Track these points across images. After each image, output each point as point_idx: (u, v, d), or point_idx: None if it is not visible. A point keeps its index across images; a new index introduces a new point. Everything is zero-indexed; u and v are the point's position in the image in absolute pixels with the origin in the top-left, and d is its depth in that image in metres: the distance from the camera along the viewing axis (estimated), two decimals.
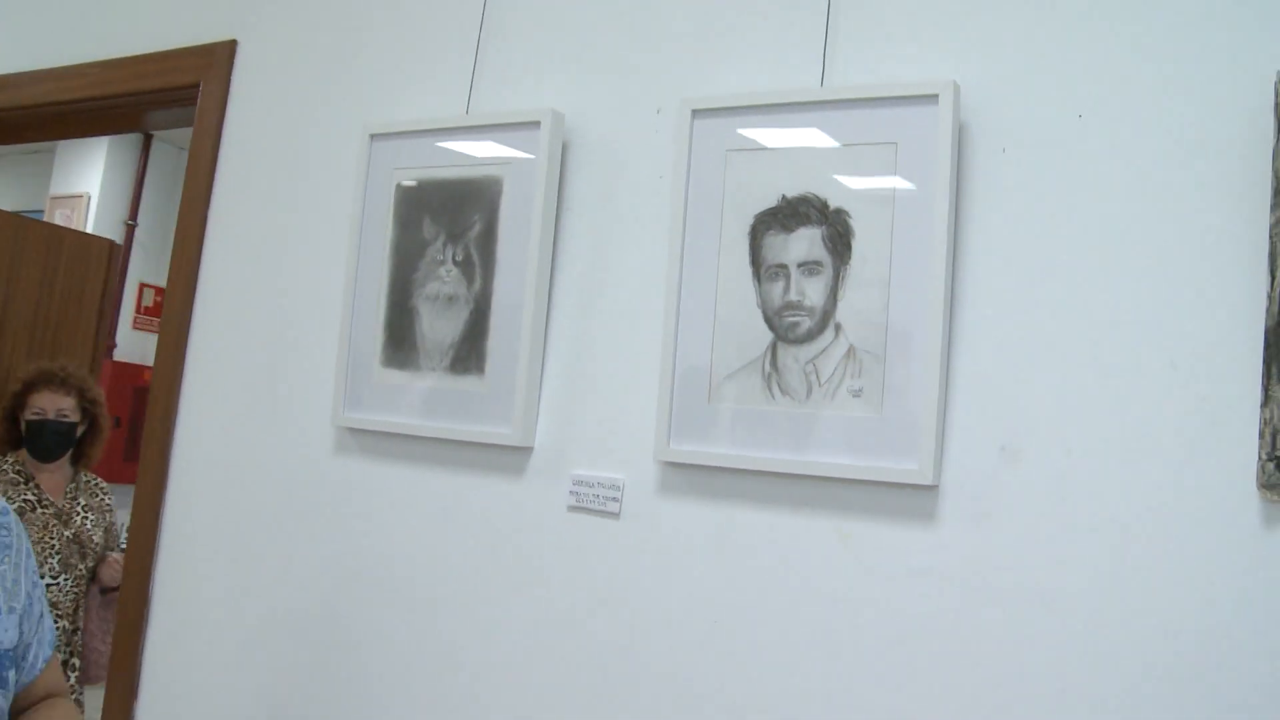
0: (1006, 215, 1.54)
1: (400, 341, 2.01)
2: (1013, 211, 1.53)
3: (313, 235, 2.24)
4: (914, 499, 1.54)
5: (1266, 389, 1.34)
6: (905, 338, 1.54)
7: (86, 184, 5.98)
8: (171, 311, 2.41)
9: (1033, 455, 1.49)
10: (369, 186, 2.07)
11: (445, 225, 1.98)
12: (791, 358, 1.62)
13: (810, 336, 1.60)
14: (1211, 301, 1.39)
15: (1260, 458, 1.33)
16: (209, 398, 2.34)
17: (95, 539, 3.27)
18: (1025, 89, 1.55)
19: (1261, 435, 1.34)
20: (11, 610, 1.32)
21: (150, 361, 5.27)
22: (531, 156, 1.88)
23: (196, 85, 2.46)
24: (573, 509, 1.81)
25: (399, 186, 2.04)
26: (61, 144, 6.01)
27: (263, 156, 2.37)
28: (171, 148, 6.14)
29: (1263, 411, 1.35)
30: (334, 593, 2.07)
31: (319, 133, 2.28)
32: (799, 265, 1.62)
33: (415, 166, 2.02)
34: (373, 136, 2.07)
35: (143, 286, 6.09)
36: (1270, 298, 1.35)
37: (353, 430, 2.07)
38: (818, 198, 1.62)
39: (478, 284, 1.93)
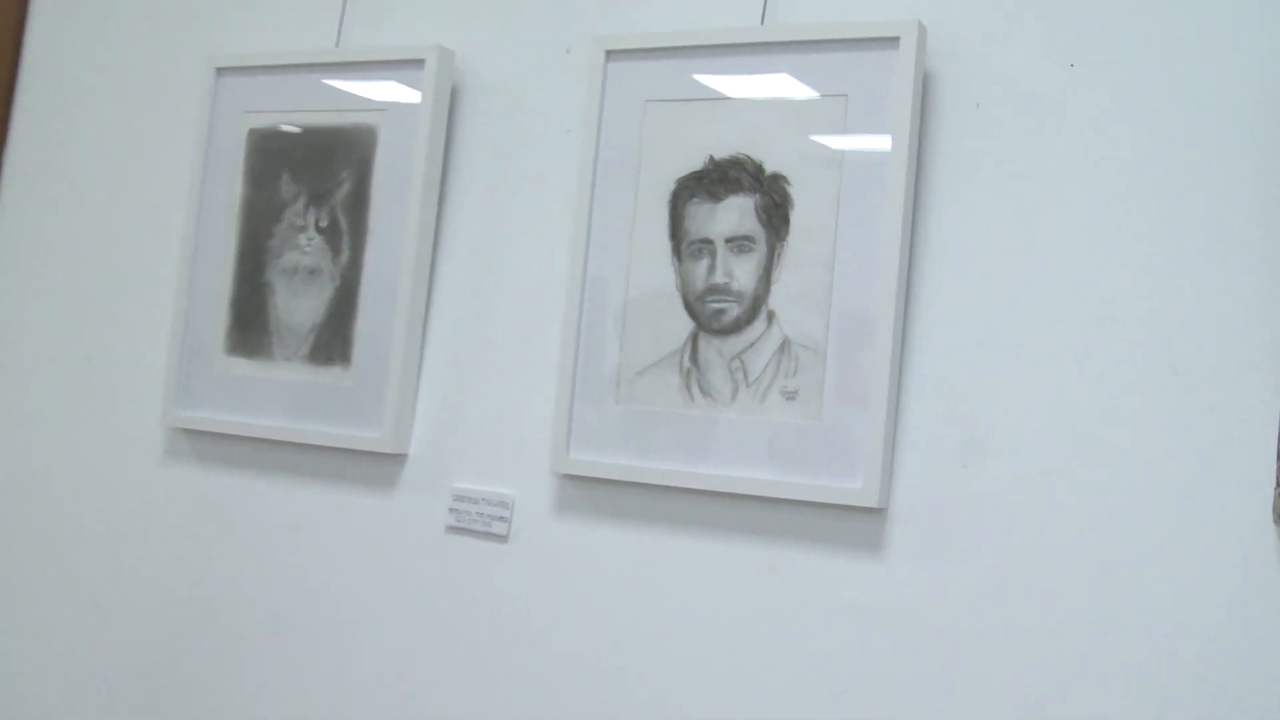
0: (980, 185, 1.51)
1: (249, 324, 1.95)
2: (987, 180, 1.50)
3: (141, 191, 2.16)
4: (857, 524, 1.51)
5: None
6: (851, 330, 1.51)
7: None
8: None
9: (1002, 475, 1.45)
10: (213, 132, 2.01)
11: (307, 183, 1.92)
12: (715, 351, 1.58)
13: (738, 326, 1.57)
14: (1223, 294, 1.36)
15: (1277, 484, 1.30)
16: (6, 392, 2.25)
17: None
18: (1005, 32, 1.51)
19: None
20: None
21: None
22: (414, 102, 1.83)
23: None
24: (453, 530, 1.77)
25: (251, 133, 1.98)
26: None
27: (76, 91, 2.27)
28: None
29: None
30: (163, 630, 2.00)
31: (149, 63, 2.20)
32: (727, 241, 1.59)
33: (272, 110, 1.96)
34: (219, 71, 2.01)
35: None
36: None
37: (187, 432, 2.02)
38: (751, 160, 1.59)
39: (345, 255, 1.88)
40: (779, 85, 1.60)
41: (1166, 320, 1.39)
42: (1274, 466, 1.32)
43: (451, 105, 1.85)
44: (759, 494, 1.54)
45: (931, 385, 1.50)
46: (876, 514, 1.51)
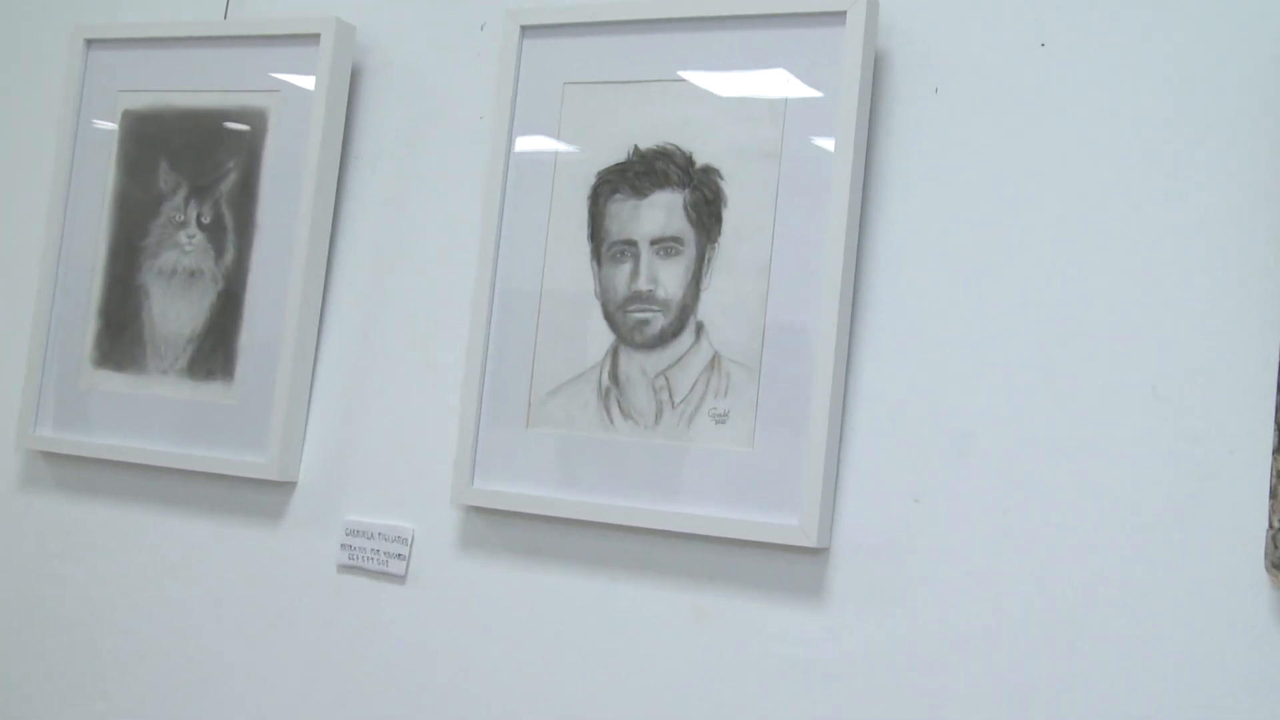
0: (937, 181, 1.49)
1: (120, 332, 1.93)
2: (946, 176, 1.49)
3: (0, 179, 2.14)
4: (796, 566, 1.50)
5: None
6: (790, 345, 1.50)
7: None
8: None
9: (959, 511, 1.43)
10: (82, 112, 1.99)
11: (188, 173, 1.91)
12: (637, 368, 1.58)
13: (663, 339, 1.57)
14: (1212, 306, 1.35)
15: (1271, 526, 1.28)
16: None
17: None
18: (968, 7, 1.51)
19: (1274, 494, 1.28)
20: None
21: None
22: (308, 83, 1.82)
23: None
24: (345, 568, 1.76)
25: (126, 115, 1.96)
26: None
27: None
28: None
29: (1276, 460, 1.28)
30: (16, 677, 1.98)
31: (8, 34, 2.18)
32: (652, 243, 1.59)
33: (149, 89, 1.94)
34: (89, 43, 1.99)
35: None
36: None
37: (46, 456, 1.99)
38: (680, 151, 1.58)
39: (229, 256, 1.86)
40: (709, 64, 1.58)
41: (1147, 336, 1.38)
42: (1267, 505, 1.30)
43: (351, 87, 1.85)
44: (685, 530, 1.53)
45: (879, 408, 1.49)
46: (817, 554, 1.49)
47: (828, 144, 1.50)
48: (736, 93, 1.56)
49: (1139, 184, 1.40)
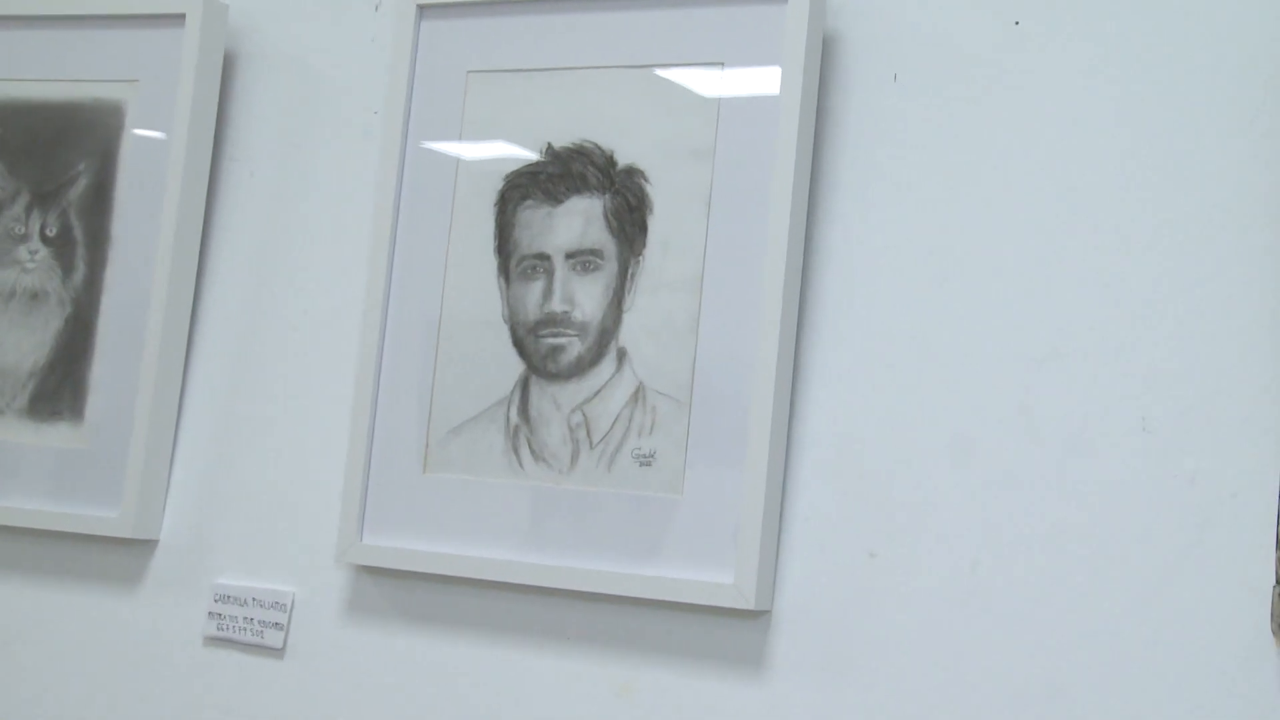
0: (896, 182, 1.51)
1: None
2: (906, 176, 1.50)
3: None
4: (732, 631, 1.50)
5: None
6: (725, 374, 1.51)
7: None
8: None
9: (921, 567, 1.44)
10: None
11: (30, 177, 1.90)
12: (551, 402, 1.59)
13: (580, 369, 1.58)
14: (1210, 323, 1.37)
15: (1278, 582, 1.29)
16: None
17: None
18: None
19: None
20: None
21: None
22: (172, 72, 1.82)
23: None
24: (214, 640, 1.76)
25: None
26: None
27: None
28: None
29: None
30: None
31: None
32: (568, 256, 1.60)
33: None
34: None
35: None
36: None
37: None
38: (600, 150, 1.59)
39: (79, 275, 1.86)
40: (636, 52, 1.60)
41: (1137, 360, 1.39)
42: (1274, 557, 1.31)
43: (224, 77, 1.85)
44: (606, 591, 1.54)
45: (829, 447, 1.50)
46: (756, 618, 1.49)
47: (768, 141, 1.51)
48: (665, 82, 1.58)
49: (1129, 183, 1.42)
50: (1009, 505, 1.42)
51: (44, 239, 1.88)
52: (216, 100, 1.84)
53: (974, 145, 1.48)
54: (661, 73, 1.58)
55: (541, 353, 1.60)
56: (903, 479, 1.46)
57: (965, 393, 1.45)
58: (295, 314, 1.79)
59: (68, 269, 1.87)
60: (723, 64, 1.55)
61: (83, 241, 1.86)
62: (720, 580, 1.48)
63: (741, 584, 1.46)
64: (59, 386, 1.85)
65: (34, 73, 1.92)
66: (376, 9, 1.80)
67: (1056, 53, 1.47)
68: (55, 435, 1.85)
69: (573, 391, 1.58)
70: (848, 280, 1.52)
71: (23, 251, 1.89)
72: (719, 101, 1.55)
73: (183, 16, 1.81)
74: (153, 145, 1.83)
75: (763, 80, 1.53)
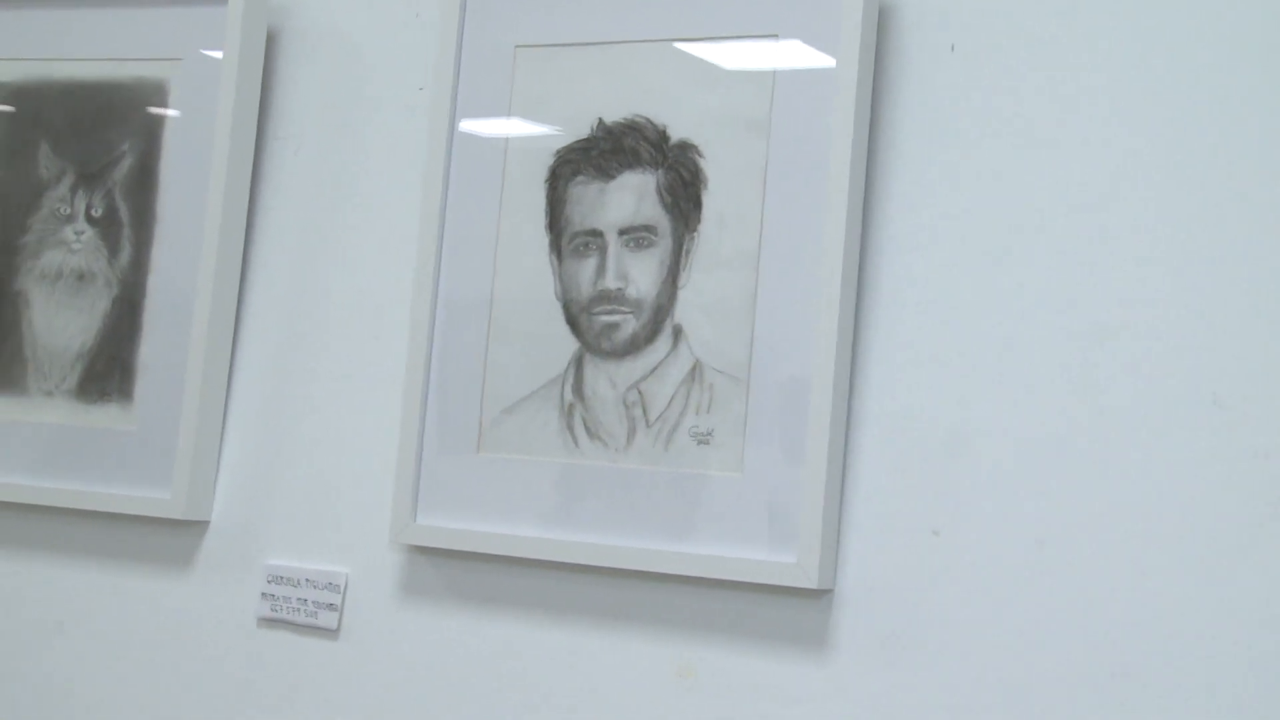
0: (954, 155, 1.50)
1: None
2: (964, 149, 1.49)
3: None
4: (795, 611, 1.50)
5: None
6: (783, 351, 1.51)
7: None
8: None
9: (985, 545, 1.43)
10: None
11: (75, 157, 1.90)
12: (606, 380, 1.58)
13: (635, 346, 1.58)
14: None
15: None
16: None
17: None
18: None
19: None
20: None
21: None
22: (216, 51, 1.83)
23: None
24: (267, 621, 1.77)
25: None
26: None
27: None
28: None
29: None
30: None
31: None
32: (621, 233, 1.59)
33: (25, 57, 1.94)
34: None
35: None
36: None
37: None
38: (653, 124, 1.59)
39: (126, 255, 1.86)
40: (689, 25, 1.59)
41: (1206, 334, 1.38)
42: None
43: (267, 55, 1.85)
44: (664, 571, 1.53)
45: (890, 424, 1.49)
46: (819, 597, 1.49)
47: (825, 114, 1.50)
48: (718, 55, 1.57)
49: (1195, 153, 1.40)
50: (1075, 482, 1.41)
51: (89, 219, 1.89)
52: (260, 78, 1.84)
53: (1033, 116, 1.47)
54: (715, 46, 1.58)
55: (596, 330, 1.59)
56: (966, 456, 1.45)
57: (1029, 367, 1.44)
58: (344, 293, 1.80)
59: (114, 249, 1.87)
60: (777, 35, 1.54)
61: (128, 222, 1.87)
62: (783, 559, 1.47)
63: (804, 562, 1.46)
64: (107, 368, 1.86)
65: (77, 52, 1.92)
66: None
67: (1117, 20, 1.45)
68: (104, 417, 1.85)
69: (628, 369, 1.58)
70: (907, 254, 1.51)
71: (69, 232, 1.90)
72: (774, 74, 1.54)
73: None
74: (197, 124, 1.83)
75: (818, 52, 1.52)
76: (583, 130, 1.62)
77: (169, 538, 1.83)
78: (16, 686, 1.90)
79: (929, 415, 1.48)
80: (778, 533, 1.48)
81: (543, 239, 1.63)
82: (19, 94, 1.95)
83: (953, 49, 1.51)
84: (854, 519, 1.49)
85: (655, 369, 1.56)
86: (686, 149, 1.57)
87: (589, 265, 1.60)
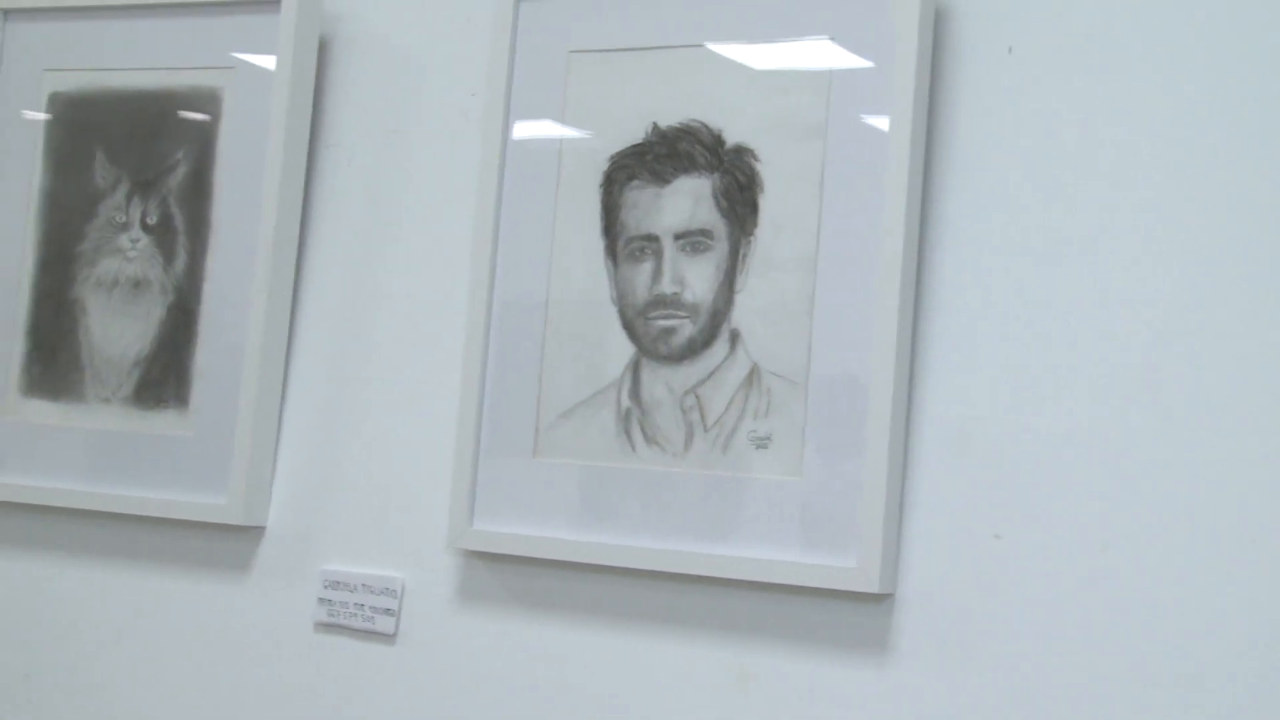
0: (1011, 158, 1.49)
1: (53, 355, 1.93)
2: (1022, 151, 1.48)
3: None
4: (855, 616, 1.49)
5: None
6: (841, 354, 1.50)
7: None
8: None
9: (1049, 549, 1.42)
10: (2, 97, 2.00)
11: (130, 166, 1.91)
12: (663, 384, 1.58)
13: (692, 351, 1.57)
14: None
15: None
16: None
17: None
18: None
19: None
20: None
21: None
22: (269, 59, 1.83)
23: None
24: (324, 626, 1.77)
25: (53, 99, 1.97)
26: None
27: None
28: None
29: None
30: None
31: None
32: (677, 237, 1.59)
33: (80, 67, 1.94)
34: (6, 14, 1.99)
35: None
36: None
37: None
38: (708, 129, 1.59)
39: (181, 262, 1.87)
40: (743, 29, 1.59)
41: (1270, 334, 1.37)
42: None
43: (319, 63, 1.86)
44: (723, 575, 1.53)
45: (950, 427, 1.48)
46: (880, 601, 1.48)
47: (881, 117, 1.50)
48: (773, 58, 1.56)
49: (1255, 153, 1.39)
50: (1139, 485, 1.40)
51: (145, 227, 1.89)
52: (312, 85, 1.84)
53: (1092, 117, 1.46)
54: (770, 49, 1.57)
55: (652, 335, 1.59)
56: (1028, 459, 1.44)
57: (1091, 372, 1.43)
58: (397, 298, 1.80)
59: (169, 257, 1.87)
60: (833, 38, 1.54)
61: (183, 229, 1.87)
62: (843, 563, 1.47)
63: (865, 567, 1.45)
64: (163, 374, 1.86)
65: (131, 62, 1.92)
66: None
67: (1175, 20, 1.44)
68: (161, 423, 1.85)
69: (685, 374, 1.57)
70: (965, 257, 1.50)
71: (124, 240, 1.90)
72: (830, 77, 1.53)
73: (278, 2, 1.81)
74: (250, 132, 1.84)
75: (874, 55, 1.51)
76: (637, 135, 1.62)
77: (226, 543, 1.83)
78: (75, 692, 1.90)
79: (990, 417, 1.47)
80: (837, 537, 1.48)
81: (598, 243, 1.63)
82: (74, 103, 1.96)
83: (1010, 50, 1.50)
84: (914, 523, 1.48)
85: (713, 373, 1.55)
86: (742, 153, 1.56)
87: (645, 270, 1.60)
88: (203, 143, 1.87)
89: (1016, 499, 1.44)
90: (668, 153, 1.60)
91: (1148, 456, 1.40)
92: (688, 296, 1.57)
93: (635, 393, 1.59)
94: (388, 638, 1.72)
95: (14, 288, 1.96)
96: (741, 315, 1.55)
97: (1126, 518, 1.40)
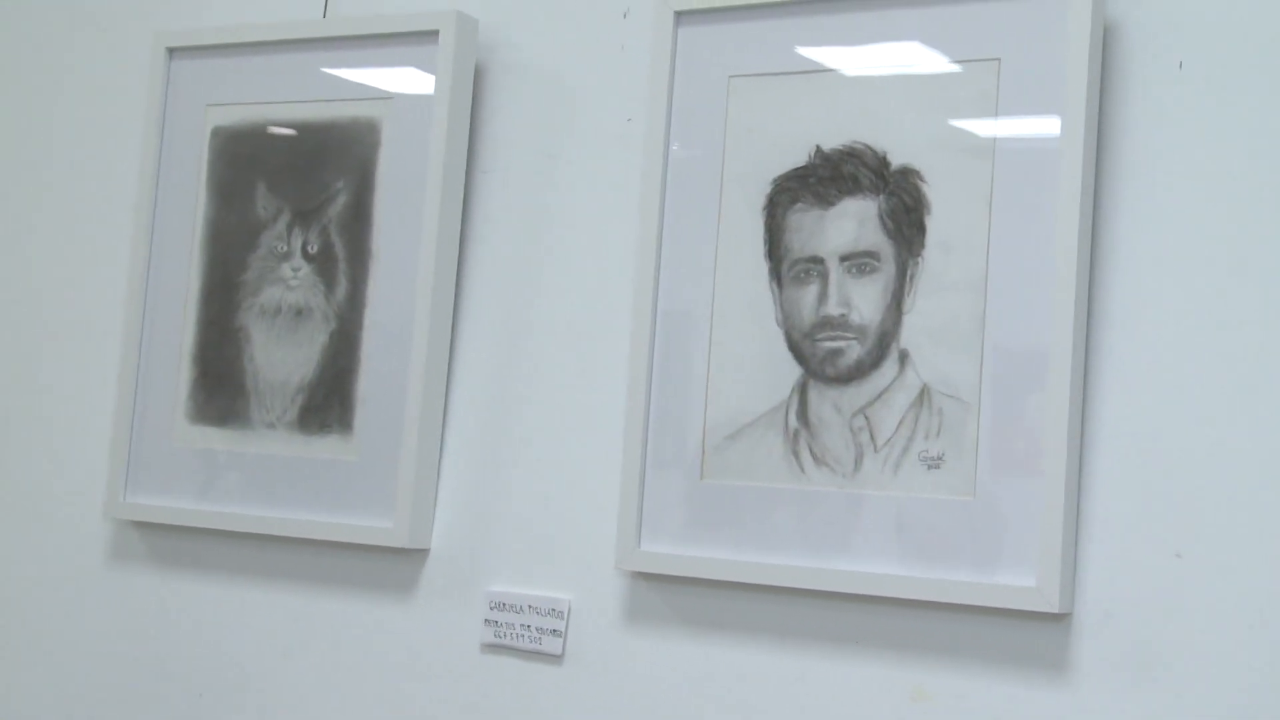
0: (1183, 176, 1.47)
1: (218, 382, 1.96)
2: (1193, 170, 1.47)
3: (74, 210, 2.17)
4: (1034, 635, 1.48)
5: None
6: (1013, 374, 1.50)
7: None
8: None
9: (1232, 566, 1.41)
10: (167, 131, 2.03)
11: (290, 196, 1.93)
12: (831, 406, 1.58)
13: (860, 372, 1.57)
14: None
15: None
16: None
17: None
18: None
19: None
20: None
21: None
22: (426, 88, 1.84)
23: None
24: (490, 647, 1.77)
25: (216, 132, 2.00)
26: None
27: None
28: None
29: None
30: None
31: (83, 44, 2.21)
32: (842, 259, 1.59)
33: (241, 101, 1.98)
34: (171, 52, 2.03)
35: None
36: None
37: (138, 525, 2.02)
38: (872, 150, 1.58)
39: (342, 290, 1.88)
40: (906, 50, 1.58)
41: None
42: None
43: (475, 90, 1.87)
44: (897, 595, 1.52)
45: (1128, 444, 1.46)
46: (1058, 620, 1.46)
47: (1050, 136, 1.49)
48: (938, 80, 1.56)
49: None
50: None
51: (306, 256, 1.91)
52: (469, 113, 1.85)
53: (1263, 133, 1.44)
54: (934, 70, 1.56)
55: (819, 356, 1.59)
56: (1208, 476, 1.42)
57: (1270, 384, 1.41)
58: (556, 320, 1.80)
59: (330, 285, 1.89)
60: (999, 59, 1.53)
61: (344, 257, 1.89)
62: (1021, 583, 1.46)
63: (1044, 586, 1.44)
64: (327, 400, 1.88)
65: (290, 95, 1.95)
66: (625, 16, 1.80)
67: None
68: (325, 448, 1.87)
69: (853, 395, 1.56)
70: (1138, 274, 1.48)
71: (286, 269, 1.92)
72: (997, 96, 1.52)
73: (436, 33, 1.83)
74: (409, 160, 1.85)
75: (1043, 73, 1.50)
76: (800, 158, 1.62)
77: (391, 566, 1.84)
78: (245, 711, 1.92)
79: (1167, 434, 1.45)
80: (1014, 556, 1.46)
81: (762, 266, 1.63)
82: (236, 137, 1.99)
83: (1180, 66, 1.48)
84: (1091, 542, 1.47)
85: (882, 394, 1.55)
86: (908, 174, 1.56)
87: (810, 292, 1.59)
88: (362, 172, 1.88)
89: (1198, 517, 1.42)
90: (831, 175, 1.59)
91: None
92: (855, 318, 1.57)
93: (803, 414, 1.58)
94: (555, 659, 1.73)
95: (180, 317, 1.99)
96: (910, 336, 1.54)
97: None
